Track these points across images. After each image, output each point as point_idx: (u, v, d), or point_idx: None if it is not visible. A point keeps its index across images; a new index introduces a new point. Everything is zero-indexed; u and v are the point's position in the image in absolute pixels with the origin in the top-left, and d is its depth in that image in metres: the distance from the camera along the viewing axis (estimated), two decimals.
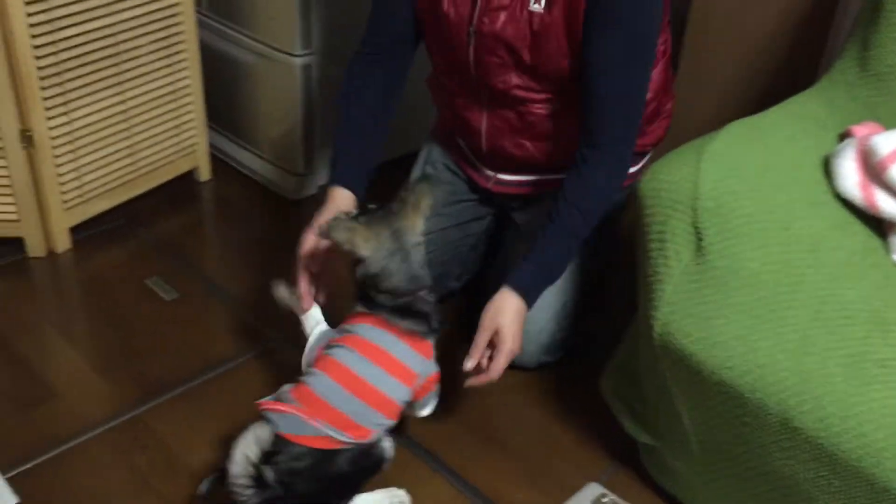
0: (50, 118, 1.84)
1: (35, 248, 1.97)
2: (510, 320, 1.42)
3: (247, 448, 1.24)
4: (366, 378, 1.31)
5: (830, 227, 1.32)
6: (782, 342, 1.16)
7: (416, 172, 1.85)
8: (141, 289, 1.92)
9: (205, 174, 2.31)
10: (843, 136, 1.47)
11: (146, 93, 2.04)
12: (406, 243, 1.33)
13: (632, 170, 1.70)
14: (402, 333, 1.34)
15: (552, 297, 1.65)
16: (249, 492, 1.23)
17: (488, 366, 1.41)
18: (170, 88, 2.10)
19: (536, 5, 1.43)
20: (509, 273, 1.47)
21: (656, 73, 1.58)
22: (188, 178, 2.29)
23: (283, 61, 2.10)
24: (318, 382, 1.30)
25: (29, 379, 1.65)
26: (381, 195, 1.95)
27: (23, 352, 1.71)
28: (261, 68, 2.18)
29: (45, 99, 1.82)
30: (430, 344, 1.39)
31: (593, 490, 1.43)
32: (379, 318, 1.34)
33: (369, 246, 1.30)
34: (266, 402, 1.29)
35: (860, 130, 1.43)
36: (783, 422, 1.13)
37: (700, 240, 1.27)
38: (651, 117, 1.66)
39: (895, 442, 1.05)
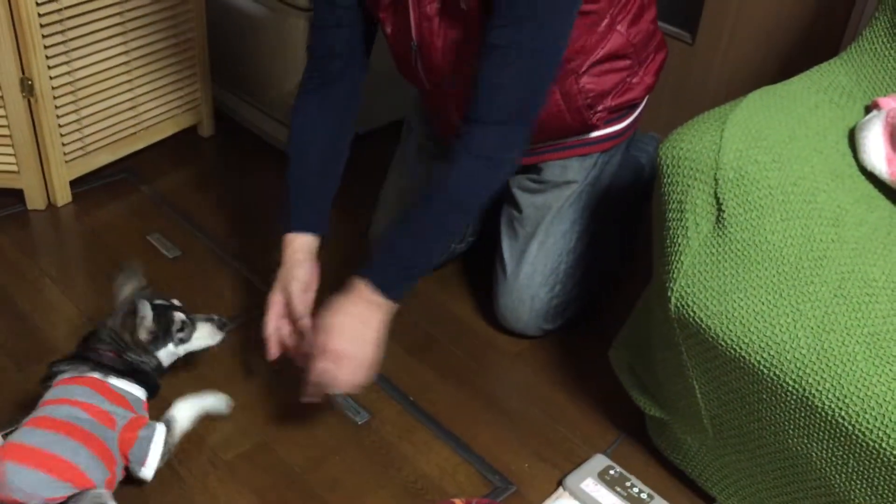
0: (51, 67, 1.79)
1: (35, 200, 1.93)
2: (339, 333, 1.28)
3: None
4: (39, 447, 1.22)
5: (854, 200, 1.28)
6: (802, 319, 1.13)
7: (403, 148, 1.79)
8: (142, 245, 1.89)
9: (208, 129, 2.26)
10: (870, 107, 1.43)
11: (150, 44, 1.99)
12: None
13: (620, 126, 1.62)
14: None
15: (542, 264, 1.61)
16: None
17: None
18: (174, 41, 2.04)
19: (464, 4, 1.32)
20: (362, 267, 1.32)
21: (630, 26, 1.48)
22: (191, 133, 2.24)
23: (291, 14, 2.04)
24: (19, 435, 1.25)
25: (27, 333, 1.62)
26: (364, 168, 1.91)
27: (22, 306, 1.68)
28: (268, 22, 2.12)
29: (47, 47, 1.76)
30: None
31: (599, 462, 1.41)
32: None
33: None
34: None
35: (887, 102, 1.39)
36: (801, 399, 1.11)
37: (721, 211, 1.23)
38: (633, 67, 1.55)
39: None
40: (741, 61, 2.04)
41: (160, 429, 1.31)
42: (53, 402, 1.28)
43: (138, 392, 1.35)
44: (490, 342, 1.69)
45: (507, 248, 1.65)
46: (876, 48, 1.47)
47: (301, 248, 1.45)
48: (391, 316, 1.33)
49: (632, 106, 1.63)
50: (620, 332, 1.52)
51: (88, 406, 1.27)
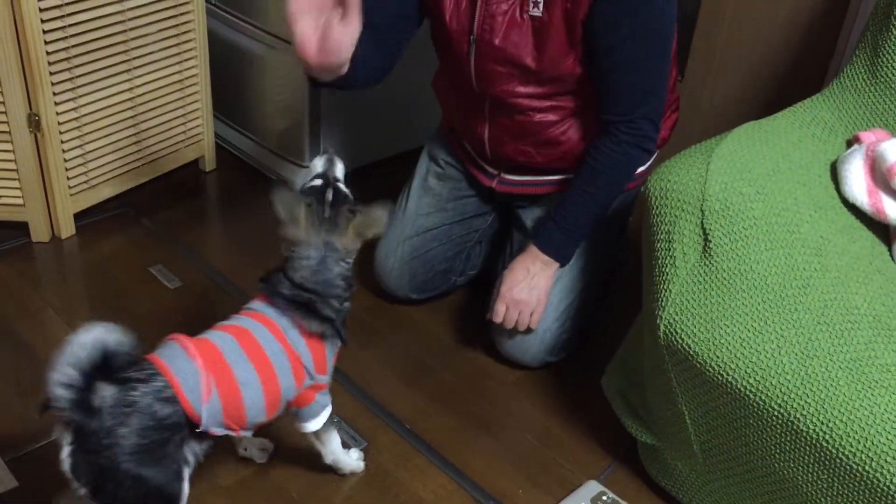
0: (58, 103, 1.84)
1: (39, 232, 1.97)
2: (520, 288, 1.58)
3: (82, 350, 1.04)
4: (266, 351, 1.22)
5: (837, 231, 1.33)
6: (787, 345, 1.17)
7: (419, 168, 1.85)
8: (144, 276, 1.92)
9: (210, 164, 2.31)
10: (851, 141, 1.47)
11: (154, 80, 2.04)
12: (329, 259, 1.27)
13: (639, 170, 1.70)
14: (300, 328, 1.26)
15: (558, 298, 1.65)
16: (65, 409, 1.04)
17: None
18: (177, 77, 2.10)
19: (535, 10, 1.44)
20: (536, 235, 1.60)
21: None
22: (193, 167, 2.29)
23: (291, 52, 2.09)
24: (222, 340, 1.21)
25: (31, 364, 1.65)
26: (384, 191, 1.96)
27: (25, 337, 1.71)
28: (269, 59, 2.18)
29: (54, 84, 1.82)
30: (324, 350, 1.29)
31: (592, 488, 1.43)
32: (275, 303, 1.27)
33: (300, 232, 1.25)
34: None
35: (868, 136, 1.43)
36: (786, 424, 1.14)
37: (707, 241, 1.27)
38: None
39: None
40: (728, 97, 2.10)
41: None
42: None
43: None
44: (485, 370, 1.72)
45: None
46: (857, 84, 1.53)
47: None
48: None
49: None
50: (612, 360, 1.56)
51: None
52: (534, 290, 1.60)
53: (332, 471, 1.44)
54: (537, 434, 1.58)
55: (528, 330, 1.63)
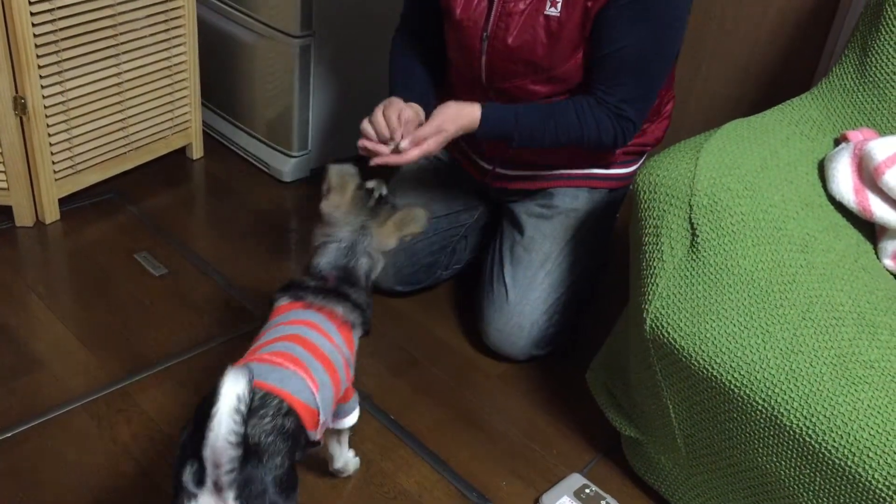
0: (45, 86, 1.82)
1: (23, 217, 1.95)
2: (453, 128, 1.46)
3: (232, 402, 0.87)
4: (323, 349, 1.16)
5: (823, 229, 1.33)
6: (772, 340, 1.17)
7: (406, 165, 1.84)
8: (129, 263, 1.91)
9: (197, 152, 2.29)
10: (839, 140, 1.48)
11: (142, 66, 2.03)
12: (360, 245, 1.25)
13: (628, 170, 1.70)
14: (335, 319, 1.21)
15: (546, 293, 1.65)
16: (233, 461, 0.89)
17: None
18: (166, 63, 2.08)
19: (553, 9, 1.44)
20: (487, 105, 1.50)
21: None
22: (180, 154, 2.28)
23: (282, 41, 2.09)
24: (287, 347, 1.13)
25: (13, 349, 1.63)
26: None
27: (7, 321, 1.70)
28: (259, 48, 2.17)
29: (41, 67, 1.80)
30: (353, 340, 1.25)
31: (575, 480, 1.43)
32: (305, 302, 1.21)
33: (342, 205, 1.25)
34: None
35: (856, 135, 1.44)
36: (770, 418, 1.14)
37: (695, 236, 1.28)
38: (651, 117, 1.66)
39: (879, 441, 1.06)
40: (718, 94, 2.11)
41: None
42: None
43: None
44: (471, 363, 1.72)
45: (511, 272, 1.68)
46: (845, 84, 1.53)
47: (399, 102, 1.48)
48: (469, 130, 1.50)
49: (641, 153, 1.70)
50: (598, 355, 1.56)
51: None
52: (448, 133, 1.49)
53: (316, 461, 1.44)
54: (522, 427, 1.58)
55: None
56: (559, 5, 1.43)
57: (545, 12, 1.45)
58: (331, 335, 1.20)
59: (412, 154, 1.42)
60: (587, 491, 1.41)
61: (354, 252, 1.25)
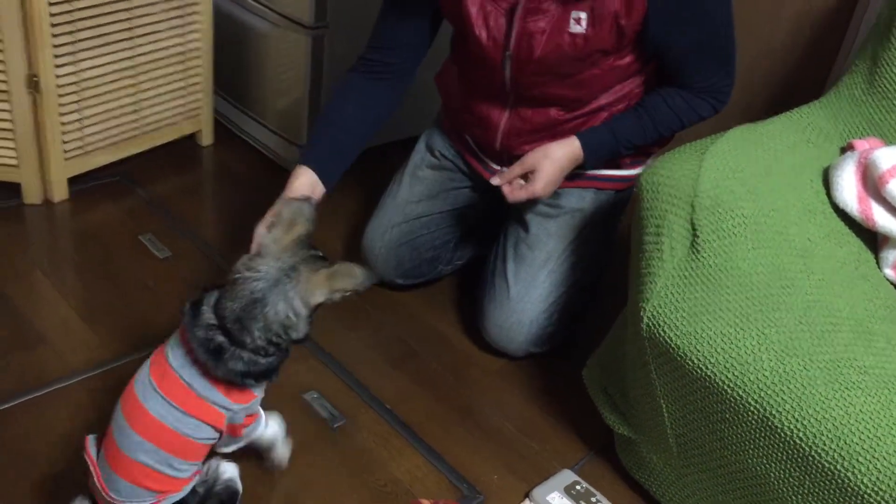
0: (58, 66, 1.84)
1: (32, 195, 1.97)
2: (552, 164, 1.52)
3: None
4: (166, 424, 1.14)
5: (824, 235, 1.33)
6: (767, 342, 1.17)
7: (414, 156, 1.84)
8: (134, 245, 1.92)
9: (207, 139, 2.31)
10: (845, 149, 1.48)
11: (156, 51, 2.04)
12: (282, 286, 1.14)
13: (635, 171, 1.70)
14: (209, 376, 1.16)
15: (547, 291, 1.65)
16: None
17: (511, 189, 1.55)
18: (180, 49, 2.10)
19: (578, 27, 1.41)
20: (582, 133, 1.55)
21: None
22: (190, 140, 2.29)
23: (295, 32, 2.10)
24: (121, 435, 1.16)
25: (14, 323, 1.65)
26: (376, 177, 1.96)
27: (11, 296, 1.71)
28: (272, 38, 2.18)
29: (56, 46, 1.81)
30: (246, 391, 1.19)
31: (566, 477, 1.44)
32: (189, 345, 1.16)
33: (274, 247, 1.16)
34: (87, 451, 1.19)
35: (862, 145, 1.44)
36: (761, 420, 1.14)
37: (695, 236, 1.28)
38: None
39: (870, 446, 1.06)
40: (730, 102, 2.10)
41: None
42: None
43: None
44: (470, 358, 1.72)
45: (513, 269, 1.68)
46: (854, 94, 1.53)
47: (297, 181, 1.44)
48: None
49: (648, 154, 1.70)
50: (595, 353, 1.56)
51: None
52: (551, 175, 1.54)
53: (309, 447, 1.45)
54: (517, 423, 1.58)
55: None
56: (584, 22, 1.40)
57: (569, 30, 1.41)
58: (196, 394, 1.15)
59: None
60: (578, 487, 1.41)
61: (270, 297, 1.13)
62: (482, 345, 1.73)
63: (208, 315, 1.14)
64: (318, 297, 1.15)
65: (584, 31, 1.41)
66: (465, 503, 1.40)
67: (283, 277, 1.14)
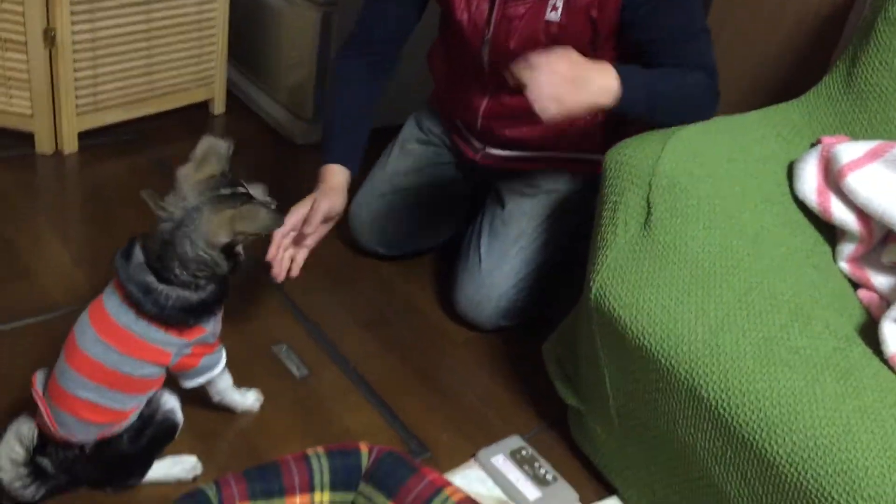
0: (75, 22, 1.93)
1: (43, 145, 2.06)
2: (566, 61, 1.28)
3: (10, 452, 1.18)
4: (105, 364, 1.19)
5: (779, 224, 1.36)
6: (703, 317, 1.20)
7: (404, 131, 1.90)
8: (137, 202, 1.97)
9: (219, 107, 2.38)
10: (814, 145, 1.50)
11: (172, 17, 2.13)
12: (185, 228, 1.16)
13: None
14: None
15: (518, 266, 1.69)
16: (31, 489, 1.20)
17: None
18: (196, 17, 2.18)
19: (553, 13, 1.46)
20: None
21: None
22: (202, 108, 2.37)
23: (307, 8, 2.17)
24: (62, 375, 1.21)
25: (7, 258, 1.73)
26: (370, 161, 2.00)
27: (9, 235, 1.80)
28: (285, 12, 2.25)
29: (73, 3, 1.90)
30: (190, 327, 1.23)
31: (514, 442, 1.47)
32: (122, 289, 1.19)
33: (186, 184, 1.18)
34: (34, 387, 1.24)
35: (830, 141, 1.46)
36: (690, 390, 1.17)
37: (650, 214, 1.31)
38: None
39: (788, 419, 1.08)
40: (725, 102, 2.12)
41: None
42: None
43: None
44: (439, 328, 1.77)
45: (486, 244, 1.73)
46: (832, 92, 1.55)
47: (335, 180, 1.54)
48: (609, 99, 1.33)
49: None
50: (556, 330, 1.60)
51: None
52: (580, 80, 1.31)
53: (271, 394, 1.50)
54: (477, 392, 1.62)
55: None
56: (559, 11, 1.45)
57: (545, 17, 1.47)
58: (133, 336, 1.20)
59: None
60: (523, 452, 1.45)
61: (177, 237, 1.16)
62: (454, 318, 1.78)
63: (138, 256, 1.19)
64: (223, 238, 1.16)
65: (558, 20, 1.45)
66: (411, 457, 1.45)
67: (186, 218, 1.16)
